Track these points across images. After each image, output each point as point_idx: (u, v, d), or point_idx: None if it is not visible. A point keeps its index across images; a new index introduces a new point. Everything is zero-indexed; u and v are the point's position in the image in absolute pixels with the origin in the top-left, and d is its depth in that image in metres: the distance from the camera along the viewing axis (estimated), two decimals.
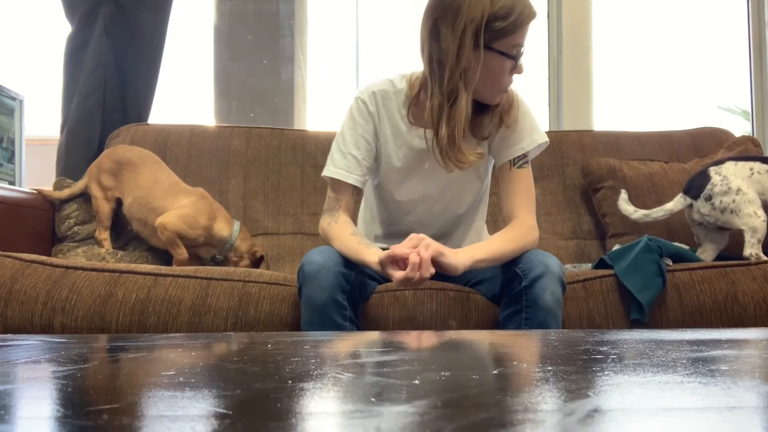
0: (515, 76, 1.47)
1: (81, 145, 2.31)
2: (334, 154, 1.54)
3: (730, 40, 3.29)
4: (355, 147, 1.53)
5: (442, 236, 1.62)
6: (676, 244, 1.74)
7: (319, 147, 2.31)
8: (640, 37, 3.96)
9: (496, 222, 2.14)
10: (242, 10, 3.14)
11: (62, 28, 2.38)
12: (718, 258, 1.83)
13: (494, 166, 1.62)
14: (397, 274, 1.32)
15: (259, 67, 3.10)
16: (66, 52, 2.36)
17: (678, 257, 1.65)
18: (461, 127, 1.42)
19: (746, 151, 2.21)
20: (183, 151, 2.27)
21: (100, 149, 2.29)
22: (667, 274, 1.55)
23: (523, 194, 1.52)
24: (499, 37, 1.38)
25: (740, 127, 3.72)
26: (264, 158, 2.28)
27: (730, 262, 1.62)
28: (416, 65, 1.53)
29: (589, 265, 1.77)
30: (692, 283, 1.55)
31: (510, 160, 1.53)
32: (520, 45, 1.42)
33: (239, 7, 3.14)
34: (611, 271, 1.58)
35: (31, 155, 2.67)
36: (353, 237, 1.45)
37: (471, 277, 1.57)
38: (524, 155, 1.54)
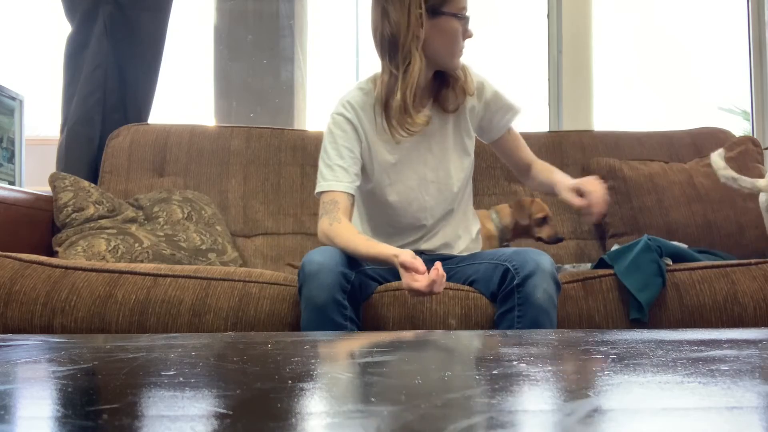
0: (469, 42, 1.58)
1: (81, 145, 2.31)
2: (322, 170, 1.58)
3: (730, 40, 3.29)
4: (339, 157, 1.57)
5: (440, 222, 1.67)
6: (676, 243, 1.74)
7: (319, 147, 2.28)
8: (640, 37, 3.97)
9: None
10: (242, 10, 3.14)
11: (62, 28, 2.39)
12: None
13: (492, 141, 1.76)
14: (416, 282, 1.34)
15: (259, 67, 3.10)
16: (66, 52, 2.36)
17: (678, 257, 1.64)
18: (412, 91, 1.52)
19: (746, 151, 2.21)
20: (183, 151, 2.27)
21: (100, 149, 2.29)
22: (667, 274, 1.55)
23: (526, 145, 1.77)
24: (444, 2, 1.51)
25: (740, 127, 3.72)
26: (264, 158, 2.28)
27: (730, 262, 1.62)
28: None
29: (589, 265, 1.77)
30: (692, 282, 1.55)
31: (517, 114, 1.72)
32: (465, 8, 1.54)
33: (239, 7, 3.14)
34: (611, 271, 1.58)
35: (31, 155, 2.67)
36: (361, 235, 1.49)
37: (469, 274, 1.57)
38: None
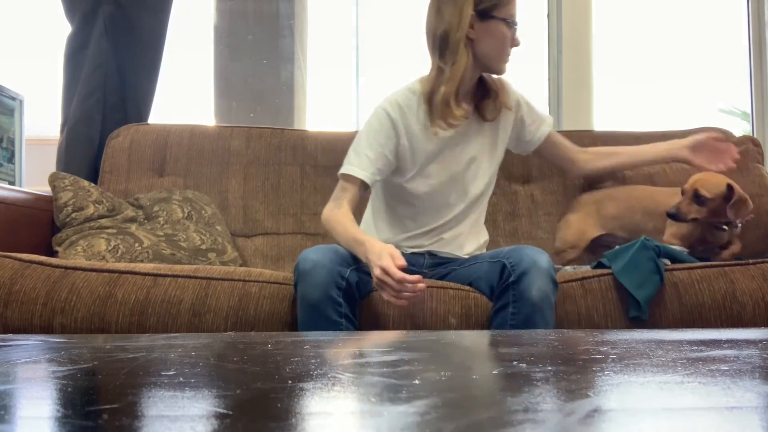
0: (514, 51, 1.68)
1: (81, 145, 2.30)
2: (350, 154, 1.67)
3: (730, 40, 3.29)
4: (368, 147, 1.65)
5: (455, 223, 1.73)
6: (673, 246, 1.74)
7: (319, 147, 2.31)
8: (641, 37, 3.96)
9: (496, 222, 2.16)
10: (242, 10, 3.14)
11: (62, 28, 2.38)
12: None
13: (531, 152, 1.89)
14: (385, 294, 1.39)
15: (259, 67, 3.10)
16: (66, 52, 2.36)
17: (674, 260, 1.64)
18: (456, 85, 1.61)
19: (746, 151, 2.21)
20: (183, 151, 2.26)
21: (100, 149, 2.29)
22: (665, 273, 1.55)
23: (568, 143, 1.91)
24: (497, 6, 1.60)
25: (740, 128, 3.72)
26: (264, 158, 2.28)
27: (729, 261, 1.62)
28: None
29: (588, 267, 1.77)
30: (691, 282, 1.55)
31: (551, 126, 1.86)
32: (514, 16, 1.64)
33: (239, 7, 3.14)
34: (609, 270, 1.58)
35: (31, 155, 2.67)
36: (352, 226, 1.57)
37: (470, 274, 1.59)
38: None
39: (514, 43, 1.66)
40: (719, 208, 1.69)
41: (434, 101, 1.63)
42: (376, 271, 1.39)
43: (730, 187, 1.69)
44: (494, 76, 1.74)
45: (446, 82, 1.60)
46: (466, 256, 1.72)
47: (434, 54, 1.65)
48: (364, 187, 1.65)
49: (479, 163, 1.74)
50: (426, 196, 1.71)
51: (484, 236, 1.83)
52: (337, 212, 1.60)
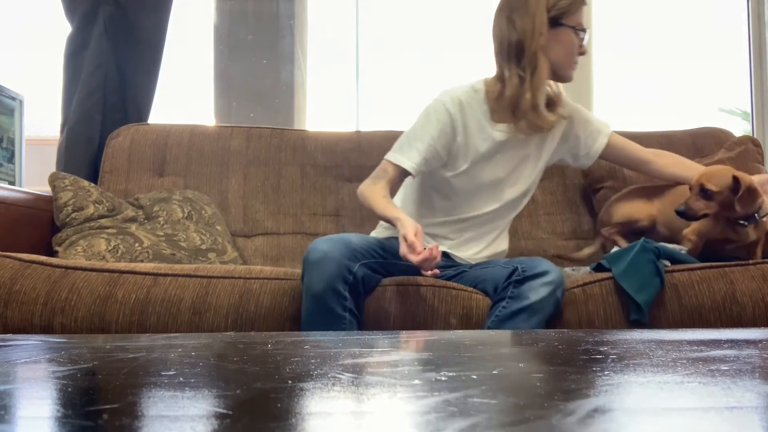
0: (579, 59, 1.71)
1: (81, 145, 2.30)
2: (402, 141, 1.70)
3: (730, 40, 3.29)
4: (420, 140, 1.67)
5: (483, 222, 1.75)
6: (672, 246, 1.74)
7: (319, 147, 2.31)
8: (641, 37, 3.96)
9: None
10: (242, 10, 3.13)
11: (62, 28, 2.38)
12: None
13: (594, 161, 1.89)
14: (411, 255, 1.43)
15: (259, 67, 3.10)
16: (66, 52, 2.36)
17: (674, 261, 1.64)
18: (542, 91, 1.65)
19: (746, 151, 2.20)
20: (183, 151, 2.26)
21: (100, 149, 2.29)
22: (665, 275, 1.55)
23: (636, 146, 1.89)
24: (566, 13, 1.65)
25: (739, 127, 3.72)
26: (264, 158, 2.28)
27: (729, 262, 1.61)
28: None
29: (588, 268, 1.77)
30: (691, 283, 1.55)
31: (609, 135, 1.84)
32: (582, 25, 1.68)
33: (239, 7, 3.13)
34: (609, 274, 1.58)
35: (31, 155, 2.67)
36: (385, 198, 1.62)
37: (478, 275, 1.60)
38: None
39: (581, 50, 1.69)
40: (728, 201, 1.65)
41: (519, 108, 1.65)
42: (402, 250, 1.44)
43: (736, 179, 1.66)
44: (552, 86, 1.75)
45: (530, 89, 1.63)
46: (474, 262, 1.73)
47: (509, 62, 1.65)
48: (405, 175, 1.68)
49: (521, 171, 1.76)
50: (465, 193, 1.72)
51: (503, 246, 1.83)
52: (373, 188, 1.64)
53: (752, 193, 1.65)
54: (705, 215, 1.68)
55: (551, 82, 1.73)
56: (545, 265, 1.49)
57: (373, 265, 1.51)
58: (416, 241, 1.43)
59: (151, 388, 0.57)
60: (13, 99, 2.46)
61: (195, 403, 0.49)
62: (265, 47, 3.11)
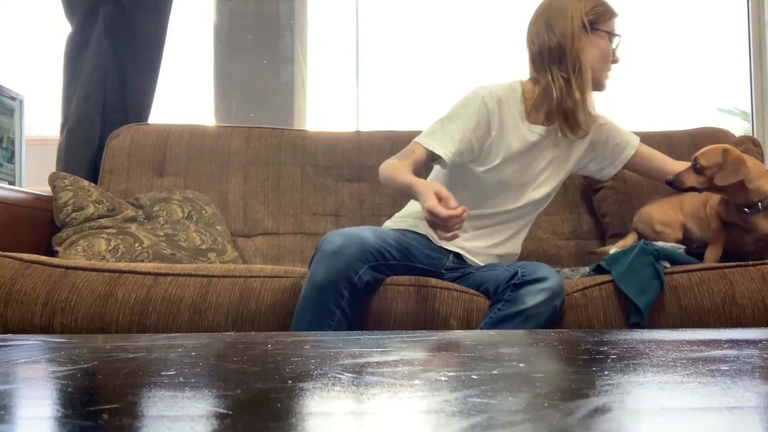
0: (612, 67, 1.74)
1: (81, 145, 2.30)
2: (435, 127, 1.68)
3: (730, 40, 3.29)
4: (456, 130, 1.65)
5: (501, 219, 1.76)
6: (671, 245, 1.74)
7: (319, 147, 2.31)
8: (641, 37, 3.96)
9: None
10: (242, 10, 3.13)
11: (62, 28, 2.38)
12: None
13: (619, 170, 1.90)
14: (438, 209, 1.39)
15: (259, 67, 3.10)
16: (66, 52, 2.36)
17: (674, 261, 1.64)
18: (590, 92, 1.70)
19: (746, 151, 2.20)
20: (183, 151, 2.26)
21: (100, 149, 2.29)
22: (665, 277, 1.55)
23: (664, 157, 1.89)
24: (601, 19, 1.70)
25: (740, 128, 3.72)
26: (264, 158, 2.28)
27: (728, 264, 1.61)
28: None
29: (587, 269, 1.77)
30: (690, 285, 1.55)
31: (636, 147, 1.86)
32: (615, 33, 1.72)
33: (239, 7, 3.13)
34: (609, 278, 1.57)
35: (31, 155, 2.67)
36: (408, 172, 1.56)
37: (480, 277, 1.60)
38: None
39: (614, 58, 1.72)
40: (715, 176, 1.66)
41: (566, 110, 1.67)
42: (424, 214, 1.43)
43: (726, 154, 1.65)
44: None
45: (579, 88, 1.66)
46: (482, 263, 1.73)
47: (550, 65, 1.67)
48: (432, 161, 1.66)
49: (548, 175, 1.77)
50: (491, 190, 1.73)
51: (516, 249, 1.84)
52: (396, 162, 1.61)
53: (737, 166, 1.64)
54: (692, 188, 1.70)
55: None
56: (545, 270, 1.49)
57: (382, 268, 1.51)
58: (450, 196, 1.41)
59: (151, 388, 0.57)
60: (13, 99, 2.46)
61: (195, 403, 0.49)
62: (265, 47, 3.11)
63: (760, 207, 1.66)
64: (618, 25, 1.75)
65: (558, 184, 1.82)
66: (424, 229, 1.65)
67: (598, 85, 1.75)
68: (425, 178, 1.78)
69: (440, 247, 1.69)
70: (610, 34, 1.70)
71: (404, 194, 1.62)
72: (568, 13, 1.66)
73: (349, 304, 1.43)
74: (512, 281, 1.46)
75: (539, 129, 1.72)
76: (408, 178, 1.53)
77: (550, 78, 1.67)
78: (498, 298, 1.47)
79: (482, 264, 1.73)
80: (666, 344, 0.82)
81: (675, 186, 1.73)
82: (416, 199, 1.50)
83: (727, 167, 1.64)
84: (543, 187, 1.78)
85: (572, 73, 1.66)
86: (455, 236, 1.43)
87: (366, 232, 1.53)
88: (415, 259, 1.61)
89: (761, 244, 1.73)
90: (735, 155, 1.65)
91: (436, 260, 1.66)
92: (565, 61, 1.66)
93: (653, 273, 1.54)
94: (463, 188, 1.74)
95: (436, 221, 1.40)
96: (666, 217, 1.87)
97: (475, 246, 1.74)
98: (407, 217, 1.76)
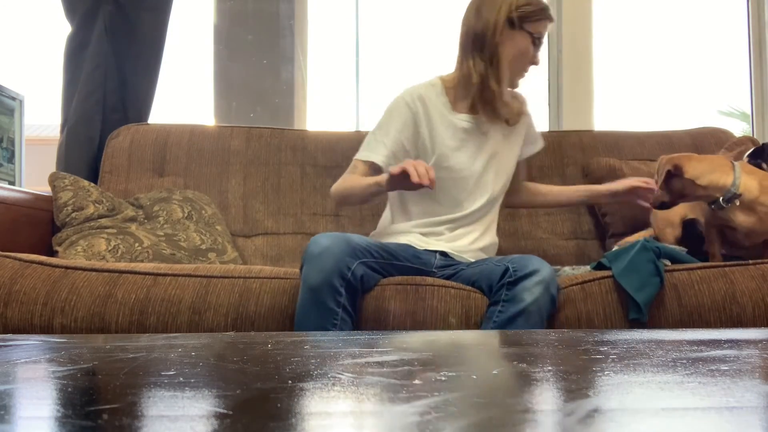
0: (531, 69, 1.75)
1: (81, 145, 2.30)
2: (368, 139, 1.76)
3: (730, 40, 3.29)
4: (384, 135, 1.73)
5: (472, 218, 1.77)
6: (672, 246, 1.74)
7: (319, 147, 2.31)
8: (641, 37, 3.96)
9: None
10: (242, 10, 3.13)
11: (62, 28, 2.38)
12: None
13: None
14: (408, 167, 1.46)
15: (259, 67, 3.10)
16: (66, 52, 2.36)
17: (675, 260, 1.64)
18: (505, 82, 1.70)
19: (746, 151, 2.20)
20: (183, 151, 2.27)
21: (100, 149, 2.29)
22: (665, 274, 1.55)
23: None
24: (528, 20, 1.68)
25: (740, 128, 3.72)
26: (264, 158, 2.28)
27: (728, 262, 1.61)
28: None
29: (588, 267, 1.77)
30: (691, 283, 1.55)
31: (541, 147, 1.93)
32: (542, 36, 1.71)
33: (239, 7, 3.13)
34: (609, 273, 1.58)
35: (31, 155, 2.67)
36: (358, 177, 1.69)
37: (473, 274, 1.60)
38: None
39: (534, 61, 1.73)
40: (670, 186, 1.71)
41: (484, 97, 1.70)
42: (392, 184, 1.53)
43: (661, 158, 1.74)
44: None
45: (493, 79, 1.68)
46: (473, 260, 1.74)
47: (473, 50, 1.70)
48: (373, 169, 1.71)
49: (500, 163, 1.79)
50: (444, 189, 1.73)
51: (495, 240, 1.85)
52: (347, 176, 1.71)
53: (663, 163, 1.70)
54: (663, 203, 1.75)
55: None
56: (536, 262, 1.49)
57: (373, 265, 1.52)
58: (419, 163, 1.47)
59: (151, 388, 0.57)
60: (13, 99, 2.46)
61: (195, 403, 0.49)
62: (265, 47, 3.11)
63: (721, 201, 1.68)
64: (549, 30, 1.76)
65: (509, 170, 1.84)
66: (405, 239, 1.71)
67: (512, 84, 1.76)
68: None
69: (425, 249, 1.71)
70: (533, 36, 1.69)
71: (372, 195, 1.69)
72: (498, 3, 1.67)
73: (348, 301, 1.44)
74: (506, 279, 1.47)
75: (466, 117, 1.75)
76: (370, 179, 1.63)
77: (471, 63, 1.70)
78: (495, 298, 1.48)
79: (472, 260, 1.73)
80: (666, 344, 0.82)
81: (653, 206, 1.79)
82: (385, 187, 1.58)
83: (658, 170, 1.71)
84: (500, 175, 1.80)
85: (489, 64, 1.68)
86: (432, 180, 1.47)
87: (351, 235, 1.57)
88: (404, 258, 1.63)
89: (755, 240, 1.73)
90: (668, 155, 1.73)
91: (425, 260, 1.68)
92: (484, 49, 1.68)
93: (654, 270, 1.54)
94: (427, 197, 1.75)
95: (405, 179, 1.46)
96: (666, 213, 1.88)
97: (457, 245, 1.75)
98: (382, 234, 1.81)
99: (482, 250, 1.78)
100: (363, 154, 1.73)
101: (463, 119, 1.75)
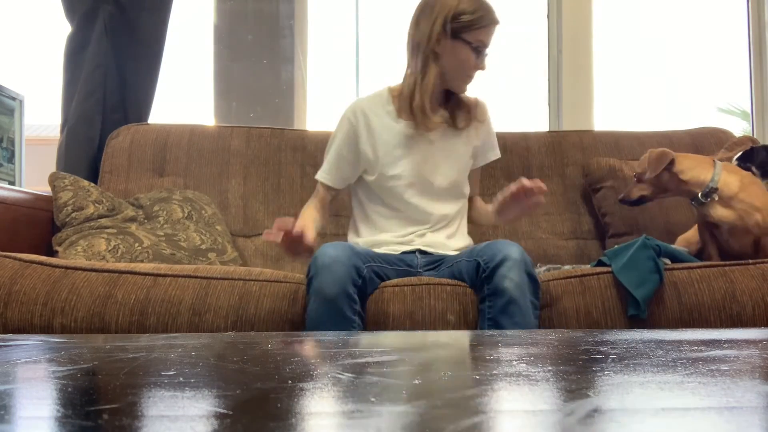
0: (480, 73, 1.73)
1: (81, 145, 2.30)
2: (324, 160, 1.82)
3: (730, 40, 3.29)
4: (329, 152, 1.80)
5: (440, 225, 1.76)
6: (674, 246, 1.74)
7: (319, 147, 2.30)
8: (641, 37, 3.96)
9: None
10: (242, 10, 3.13)
11: (62, 28, 2.38)
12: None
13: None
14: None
15: (259, 67, 3.10)
16: (66, 52, 2.36)
17: (675, 259, 1.64)
18: (429, 97, 1.68)
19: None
20: (183, 151, 2.27)
21: (100, 149, 2.29)
22: (665, 272, 1.55)
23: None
24: (465, 29, 1.64)
25: (740, 127, 3.72)
26: (264, 158, 2.28)
27: (728, 262, 1.61)
28: None
29: (588, 266, 1.77)
30: (691, 281, 1.55)
31: (496, 157, 1.90)
32: (484, 43, 1.68)
33: (239, 7, 3.13)
34: (608, 268, 1.58)
35: (31, 155, 2.67)
36: (308, 209, 1.78)
37: (458, 271, 1.60)
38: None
39: (479, 67, 1.70)
40: (657, 179, 1.74)
41: (413, 107, 1.70)
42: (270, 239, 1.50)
43: (650, 152, 1.75)
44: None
45: (419, 92, 1.68)
46: (455, 252, 1.73)
47: (412, 58, 1.71)
48: (327, 189, 1.80)
49: (451, 167, 1.77)
50: (399, 197, 1.74)
51: (468, 240, 1.83)
52: (307, 205, 1.80)
53: (659, 155, 1.72)
54: (642, 198, 1.78)
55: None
56: (502, 247, 1.48)
57: (375, 268, 1.54)
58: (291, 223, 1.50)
59: (151, 388, 0.57)
60: (13, 99, 2.46)
61: (195, 403, 0.49)
62: (265, 47, 3.11)
63: (700, 196, 1.69)
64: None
65: (463, 170, 1.80)
66: (381, 250, 1.70)
67: (456, 89, 1.75)
68: (348, 206, 1.91)
69: (404, 252, 1.71)
70: (473, 46, 1.66)
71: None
72: (434, 14, 1.65)
73: (361, 307, 1.46)
74: (481, 274, 1.47)
75: (411, 124, 1.73)
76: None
77: (408, 73, 1.72)
78: (481, 295, 1.48)
79: (453, 253, 1.73)
80: (666, 344, 0.82)
81: (625, 201, 1.82)
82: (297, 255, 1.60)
83: (652, 161, 1.72)
84: (447, 178, 1.76)
85: (419, 75, 1.68)
86: (310, 246, 1.51)
87: (349, 243, 1.59)
88: (392, 262, 1.64)
89: (742, 241, 1.74)
90: (657, 149, 1.75)
91: (408, 261, 1.69)
92: (418, 59, 1.69)
93: (653, 267, 1.54)
94: (380, 205, 1.77)
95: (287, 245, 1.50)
96: (687, 234, 1.92)
97: (432, 240, 1.74)
98: (351, 238, 1.82)
99: (457, 250, 1.76)
100: (320, 176, 1.80)
101: (407, 126, 1.73)
